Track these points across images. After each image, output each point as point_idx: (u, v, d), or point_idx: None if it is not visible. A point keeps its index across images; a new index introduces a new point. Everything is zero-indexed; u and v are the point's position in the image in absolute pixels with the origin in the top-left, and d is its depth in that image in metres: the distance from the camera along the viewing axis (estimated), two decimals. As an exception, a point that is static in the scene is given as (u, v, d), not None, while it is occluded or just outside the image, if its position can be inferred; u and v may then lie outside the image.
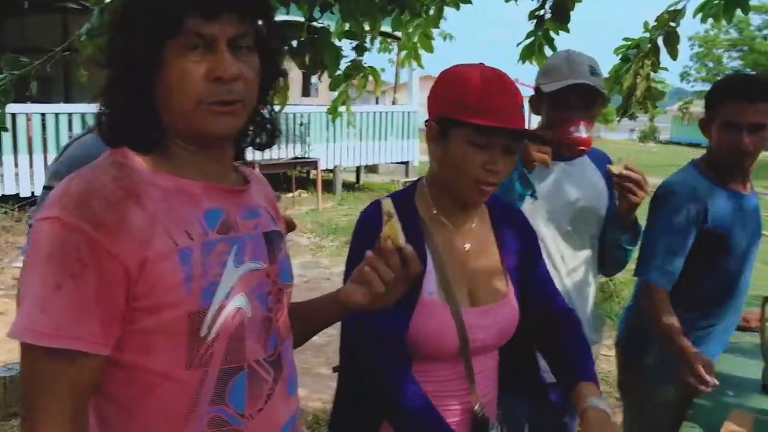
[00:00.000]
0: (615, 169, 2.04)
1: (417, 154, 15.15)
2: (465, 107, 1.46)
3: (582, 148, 2.12)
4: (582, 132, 2.10)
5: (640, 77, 3.27)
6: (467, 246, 1.62)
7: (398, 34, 3.51)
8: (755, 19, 37.37)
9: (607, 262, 2.33)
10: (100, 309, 0.99)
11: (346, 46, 3.03)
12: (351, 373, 1.67)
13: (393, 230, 1.32)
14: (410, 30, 3.09)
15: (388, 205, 1.38)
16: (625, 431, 2.53)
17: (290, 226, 1.73)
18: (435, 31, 3.49)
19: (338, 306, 1.37)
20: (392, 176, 15.48)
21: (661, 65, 3.46)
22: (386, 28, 3.26)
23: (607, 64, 3.68)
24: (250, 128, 1.20)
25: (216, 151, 1.13)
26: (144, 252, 1.00)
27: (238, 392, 1.11)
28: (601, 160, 2.31)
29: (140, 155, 1.08)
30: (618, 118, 3.58)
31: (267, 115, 1.21)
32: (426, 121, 1.58)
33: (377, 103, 19.11)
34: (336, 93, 3.03)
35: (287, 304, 1.26)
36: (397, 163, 15.28)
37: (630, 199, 2.06)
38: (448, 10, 4.18)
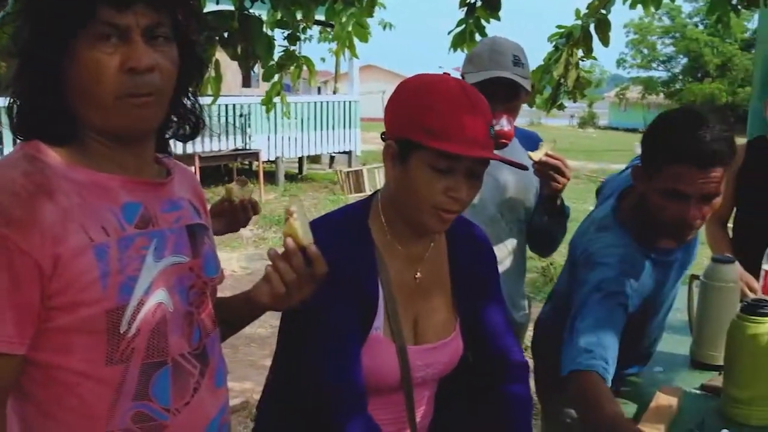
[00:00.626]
0: (535, 155, 2.05)
1: (359, 143, 15.15)
2: (428, 131, 1.34)
3: (504, 141, 2.13)
4: (504, 125, 2.10)
5: (570, 66, 3.33)
6: (419, 275, 1.54)
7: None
8: (686, 7, 38.39)
9: (536, 244, 2.40)
10: (13, 307, 0.97)
11: (281, 36, 3.02)
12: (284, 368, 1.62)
13: (292, 229, 1.29)
14: (344, 19, 3.09)
15: (291, 203, 1.33)
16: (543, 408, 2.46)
17: (255, 209, 1.72)
18: (374, 20, 3.51)
19: (250, 305, 1.35)
20: (335, 166, 15.44)
21: (593, 52, 3.54)
22: (321, 17, 3.25)
23: (542, 52, 3.76)
24: (174, 119, 1.18)
25: (134, 144, 1.11)
26: (57, 248, 0.98)
27: (162, 387, 1.10)
28: (533, 144, 2.30)
29: (54, 148, 1.05)
30: (548, 109, 3.64)
31: (190, 106, 1.19)
32: (383, 138, 1.46)
33: (319, 93, 19.00)
34: (270, 84, 3.02)
35: (212, 297, 1.25)
36: (339, 153, 15.26)
37: (551, 186, 2.08)
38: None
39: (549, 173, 2.06)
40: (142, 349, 1.07)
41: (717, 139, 1.71)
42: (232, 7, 2.50)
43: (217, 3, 2.44)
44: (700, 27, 38.44)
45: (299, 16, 2.78)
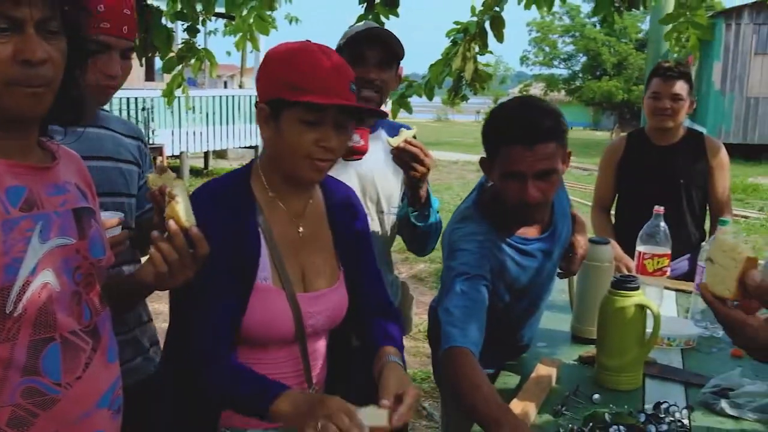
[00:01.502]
0: (393, 141, 1.97)
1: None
2: (294, 87, 1.47)
3: (357, 157, 2.11)
4: (356, 141, 2.04)
5: (468, 59, 3.48)
6: (301, 230, 1.65)
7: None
8: (585, 7, 39.73)
9: (406, 239, 2.34)
10: None
11: (181, 28, 3.03)
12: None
13: (174, 211, 1.35)
14: (245, 12, 3.13)
15: (173, 186, 1.39)
16: (442, 422, 2.61)
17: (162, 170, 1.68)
18: (280, 14, 3.54)
19: (137, 284, 1.42)
20: (241, 161, 15.29)
21: (488, 47, 3.70)
22: (222, 9, 3.28)
23: (440, 47, 3.89)
24: (59, 106, 1.20)
25: (19, 129, 1.15)
26: None
27: (52, 362, 1.13)
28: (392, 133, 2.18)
29: None
30: (450, 101, 3.78)
31: (74, 95, 1.22)
32: (256, 104, 1.58)
33: (225, 87, 18.74)
34: (170, 76, 3.02)
35: (100, 277, 1.28)
36: (245, 147, 15.12)
37: (410, 174, 2.01)
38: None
39: (406, 161, 1.98)
40: (29, 326, 1.10)
41: (539, 115, 1.84)
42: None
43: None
44: (598, 27, 39.85)
45: (199, 8, 2.80)
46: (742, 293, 1.29)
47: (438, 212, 2.26)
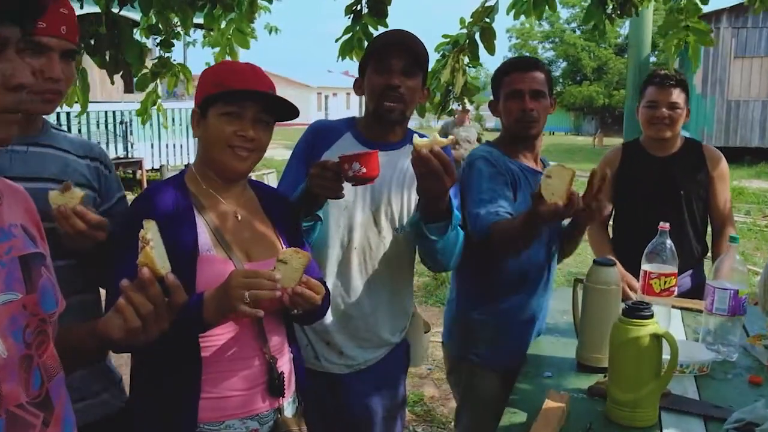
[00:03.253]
0: (420, 143, 1.78)
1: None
2: (216, 84, 1.69)
3: (367, 182, 1.93)
4: (357, 170, 1.84)
5: (457, 71, 3.34)
6: (240, 216, 1.78)
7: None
8: (564, 13, 39.96)
9: (421, 254, 2.23)
10: None
11: (154, 42, 2.87)
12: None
13: (149, 258, 1.23)
14: (223, 25, 2.97)
15: (147, 226, 1.28)
16: (456, 419, 2.60)
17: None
18: (260, 24, 3.40)
19: (97, 339, 1.26)
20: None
21: (479, 59, 3.56)
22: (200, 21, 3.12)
23: (430, 61, 3.75)
24: None
25: None
26: None
27: None
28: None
29: None
30: (437, 115, 3.64)
31: None
32: (192, 111, 1.77)
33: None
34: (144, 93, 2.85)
35: (53, 334, 1.12)
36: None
37: (430, 187, 1.84)
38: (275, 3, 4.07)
39: (423, 171, 1.79)
40: None
41: (529, 56, 2.47)
42: (98, 10, 2.34)
43: (81, 7, 2.25)
44: (577, 32, 40.10)
45: (176, 21, 2.65)
46: None
47: (459, 227, 2.15)
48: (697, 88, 19.83)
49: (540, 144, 2.54)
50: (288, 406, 1.79)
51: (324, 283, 1.78)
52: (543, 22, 40.12)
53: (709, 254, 3.21)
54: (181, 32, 2.67)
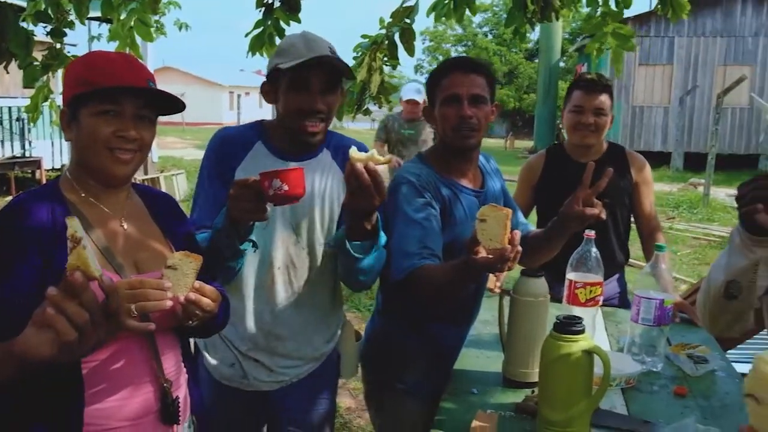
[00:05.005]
0: (356, 155, 1.71)
1: (155, 148, 14.40)
2: (88, 82, 1.47)
3: (291, 202, 1.77)
4: (277, 188, 1.69)
5: (374, 70, 3.22)
6: (125, 225, 1.59)
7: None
8: (476, 17, 40.67)
9: (341, 272, 2.12)
10: None
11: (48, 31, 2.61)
12: None
13: (82, 259, 1.11)
14: (123, 16, 2.73)
15: (72, 224, 1.12)
16: None
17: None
18: (169, 20, 3.18)
19: (18, 361, 1.09)
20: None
21: (398, 59, 3.44)
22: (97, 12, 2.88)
23: (347, 59, 3.61)
24: None
25: None
26: None
27: None
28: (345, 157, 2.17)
29: None
30: (353, 114, 3.51)
31: None
32: (60, 110, 1.58)
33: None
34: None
35: None
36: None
37: (358, 204, 1.77)
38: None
39: (356, 186, 1.72)
40: None
41: (471, 57, 2.29)
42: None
43: (-42, -10, 2.01)
44: (489, 36, 40.85)
45: (70, 9, 2.41)
46: None
47: (384, 247, 2.02)
48: (604, 93, 20.48)
49: (477, 155, 2.31)
50: None
51: (222, 291, 1.63)
52: (456, 26, 40.68)
53: (632, 261, 3.19)
54: (75, 21, 2.43)
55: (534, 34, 36.03)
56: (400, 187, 2.13)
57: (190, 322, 1.52)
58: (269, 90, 2.07)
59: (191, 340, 1.81)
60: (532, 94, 34.84)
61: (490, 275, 2.79)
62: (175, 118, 37.39)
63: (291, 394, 2.18)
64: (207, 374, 2.14)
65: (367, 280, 2.04)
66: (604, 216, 2.15)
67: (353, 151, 1.72)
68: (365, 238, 1.90)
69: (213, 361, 2.14)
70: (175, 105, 1.60)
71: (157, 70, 14.50)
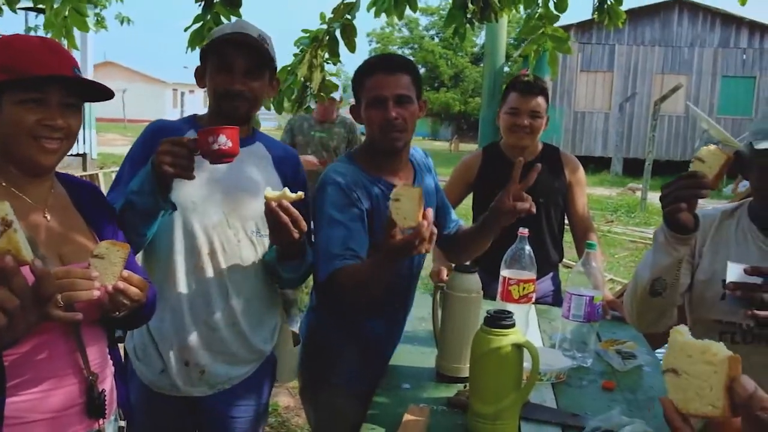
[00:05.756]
0: (270, 195, 1.81)
1: (95, 145, 14.08)
2: (8, 69, 1.43)
3: (227, 160, 1.83)
4: (222, 143, 1.76)
5: (315, 68, 3.21)
6: (48, 217, 1.55)
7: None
8: (423, 20, 40.88)
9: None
10: None
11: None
12: None
13: (13, 242, 1.09)
14: (58, 5, 2.66)
15: (4, 209, 1.10)
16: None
17: None
18: (110, 13, 3.11)
19: None
20: (67, 170, 14.18)
21: (339, 56, 3.45)
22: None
23: (289, 58, 3.60)
24: None
25: None
26: None
27: None
28: (288, 166, 2.19)
29: None
30: (294, 111, 3.50)
31: None
32: None
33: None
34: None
35: None
36: (72, 155, 14.02)
37: (280, 237, 1.87)
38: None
39: (276, 225, 1.83)
40: None
41: (396, 55, 2.24)
42: None
43: None
44: (436, 40, 41.14)
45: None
46: (731, 407, 0.97)
47: (310, 261, 2.09)
48: (547, 98, 20.89)
49: (407, 153, 2.28)
50: (109, 426, 1.60)
51: (149, 281, 1.61)
52: (403, 28, 40.89)
53: (566, 261, 3.25)
54: (2, 7, 2.35)
55: (479, 39, 36.42)
56: (326, 188, 2.11)
57: (117, 312, 1.49)
58: (201, 74, 2.07)
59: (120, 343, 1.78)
60: (477, 98, 35.20)
61: (438, 271, 2.82)
62: (117, 114, 36.64)
63: (224, 400, 2.13)
64: (136, 379, 2.08)
65: (292, 286, 2.16)
66: (534, 210, 2.18)
67: (267, 192, 1.82)
68: (295, 259, 2.03)
69: (142, 367, 2.09)
70: (102, 92, 1.57)
71: (99, 64, 14.17)
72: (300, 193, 1.83)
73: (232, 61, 1.98)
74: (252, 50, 1.98)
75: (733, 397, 0.94)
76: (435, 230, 1.80)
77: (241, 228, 2.08)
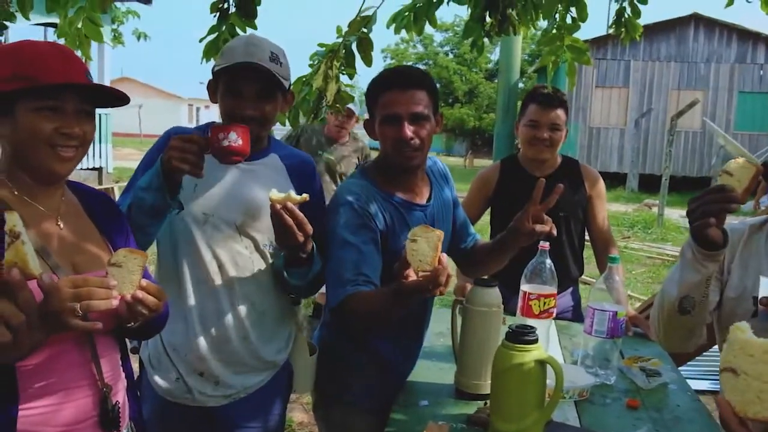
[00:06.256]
0: (275, 197, 1.79)
1: (111, 159, 14.14)
2: (23, 77, 1.40)
3: (236, 158, 1.86)
4: (233, 140, 1.80)
5: (330, 78, 3.18)
6: (61, 225, 1.53)
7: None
8: (438, 36, 41.02)
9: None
10: None
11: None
12: None
13: (21, 254, 1.07)
14: (70, 14, 2.64)
15: (11, 218, 1.07)
16: None
17: None
18: (128, 29, 3.09)
19: None
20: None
21: (355, 69, 3.41)
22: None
23: (303, 68, 3.57)
24: None
25: None
26: None
27: None
28: (302, 176, 2.14)
29: None
30: (309, 122, 3.46)
31: None
32: None
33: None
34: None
35: None
36: (89, 169, 14.09)
37: (285, 240, 1.85)
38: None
39: (280, 228, 1.81)
40: None
41: (412, 69, 2.18)
42: None
43: None
44: (450, 56, 41.25)
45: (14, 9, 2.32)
46: None
47: (318, 269, 2.04)
48: (562, 114, 20.89)
49: (423, 169, 2.21)
50: None
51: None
52: (417, 44, 41.02)
53: (586, 278, 3.19)
54: (15, 14, 2.33)
55: (494, 55, 36.44)
56: (338, 208, 2.05)
57: (132, 323, 1.45)
58: (213, 89, 2.04)
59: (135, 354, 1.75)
60: (492, 114, 35.19)
61: (463, 286, 2.79)
62: (134, 130, 36.94)
63: (239, 410, 2.10)
64: (150, 390, 2.05)
65: (302, 296, 2.16)
66: (555, 232, 2.13)
67: (272, 193, 1.79)
68: (302, 266, 1.97)
69: (156, 376, 2.05)
70: (115, 98, 1.55)
71: (116, 80, 14.26)
72: (305, 195, 1.81)
73: (242, 87, 1.95)
74: (262, 75, 1.94)
75: None
76: (452, 274, 1.76)
77: (253, 241, 2.04)
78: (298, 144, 4.91)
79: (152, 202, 1.80)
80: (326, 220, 2.07)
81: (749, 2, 3.28)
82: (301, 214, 1.81)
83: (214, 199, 1.99)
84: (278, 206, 1.78)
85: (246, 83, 1.94)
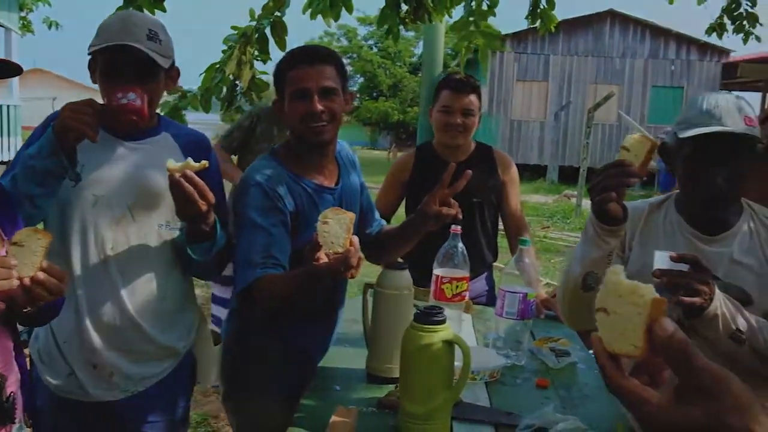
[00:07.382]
0: (172, 166, 1.74)
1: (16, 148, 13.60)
2: None
3: (135, 117, 1.80)
4: (132, 99, 1.77)
5: (243, 64, 3.12)
6: None
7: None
8: (362, 30, 40.98)
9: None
10: None
11: None
12: None
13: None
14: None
15: None
16: None
17: None
18: (37, 17, 2.95)
19: None
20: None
21: (269, 54, 3.36)
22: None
23: (215, 53, 3.49)
24: None
25: None
26: None
27: None
28: (198, 151, 2.02)
29: None
30: (223, 110, 3.39)
31: None
32: None
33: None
34: None
35: None
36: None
37: (185, 210, 1.80)
38: None
39: (179, 196, 1.76)
40: None
41: (317, 46, 2.19)
42: None
43: None
44: (375, 49, 41.27)
45: None
46: (650, 347, 0.94)
47: (222, 243, 1.99)
48: (484, 106, 21.19)
49: (333, 150, 2.20)
50: None
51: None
52: (341, 38, 40.88)
53: (501, 264, 3.22)
54: None
55: (418, 48, 36.61)
56: (248, 189, 2.02)
57: (29, 307, 1.37)
58: (93, 69, 1.95)
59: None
60: (416, 107, 35.43)
61: None
62: (47, 123, 35.40)
63: (139, 403, 2.02)
64: (42, 385, 1.95)
65: (206, 276, 2.13)
66: (460, 216, 2.14)
67: (169, 163, 1.75)
68: (205, 240, 1.91)
69: (47, 374, 1.95)
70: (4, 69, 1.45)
71: (27, 72, 13.55)
72: (204, 162, 1.77)
73: (119, 70, 1.86)
74: (139, 56, 1.84)
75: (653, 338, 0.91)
76: (362, 257, 1.77)
77: (147, 221, 1.97)
78: (254, 135, 4.15)
79: (43, 167, 1.71)
80: (235, 200, 2.04)
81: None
82: (201, 182, 1.76)
83: (103, 180, 1.90)
84: (177, 175, 1.73)
85: (123, 64, 1.85)
